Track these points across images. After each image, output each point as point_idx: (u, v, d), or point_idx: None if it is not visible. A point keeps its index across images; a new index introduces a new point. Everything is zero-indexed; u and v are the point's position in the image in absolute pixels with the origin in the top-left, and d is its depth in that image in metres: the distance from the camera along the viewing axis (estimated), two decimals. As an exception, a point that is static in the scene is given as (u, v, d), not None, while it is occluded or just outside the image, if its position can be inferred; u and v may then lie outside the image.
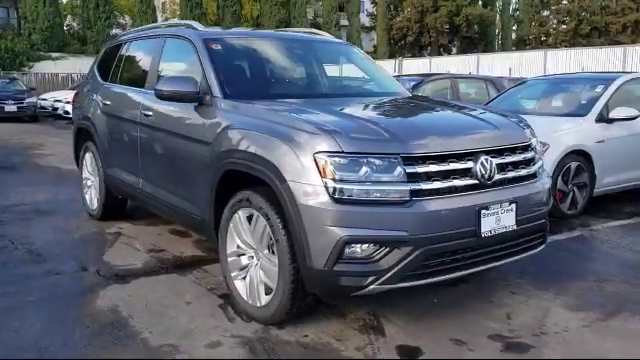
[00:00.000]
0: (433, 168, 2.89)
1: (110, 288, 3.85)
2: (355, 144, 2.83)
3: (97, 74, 5.66)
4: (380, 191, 2.78)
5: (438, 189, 2.88)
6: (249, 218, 3.27)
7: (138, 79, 4.81)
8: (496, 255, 3.12)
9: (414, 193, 2.81)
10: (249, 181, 3.24)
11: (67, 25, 33.28)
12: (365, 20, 43.96)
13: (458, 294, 3.70)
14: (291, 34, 4.78)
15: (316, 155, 2.82)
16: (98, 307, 3.52)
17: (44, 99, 21.25)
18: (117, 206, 5.47)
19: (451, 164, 2.95)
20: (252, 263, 3.32)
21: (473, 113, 3.54)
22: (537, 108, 6.63)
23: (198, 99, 3.70)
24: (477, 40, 40.41)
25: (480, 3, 41.78)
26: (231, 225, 3.40)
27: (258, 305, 3.22)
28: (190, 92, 3.66)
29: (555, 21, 45.90)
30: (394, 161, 2.82)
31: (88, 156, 5.60)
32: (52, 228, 5.31)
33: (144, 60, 4.85)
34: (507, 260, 3.20)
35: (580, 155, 5.63)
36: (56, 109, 19.85)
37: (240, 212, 3.31)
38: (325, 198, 2.78)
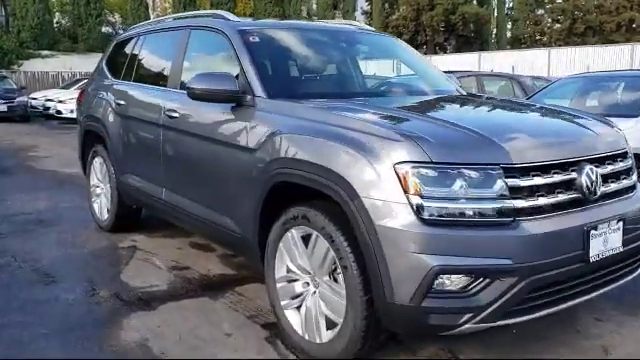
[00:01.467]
0: (537, 181, 2.42)
1: (134, 316, 3.35)
2: (446, 152, 2.35)
3: (107, 71, 5.13)
4: (478, 210, 2.31)
5: (543, 206, 2.41)
6: (305, 238, 2.78)
7: (158, 76, 4.31)
8: (601, 282, 2.65)
9: (517, 212, 2.34)
10: (305, 195, 2.75)
11: (57, 22, 32.45)
12: (360, 18, 43.48)
13: (537, 323, 3.22)
14: (331, 25, 4.26)
15: (397, 166, 2.33)
16: (123, 341, 3.03)
17: (34, 98, 20.54)
18: (131, 216, 4.96)
19: (555, 176, 2.48)
20: (308, 291, 2.83)
21: (564, 115, 3.08)
22: (579, 108, 6.17)
23: (237, 99, 3.20)
24: (473, 39, 40.13)
25: (475, 2, 41.50)
26: (281, 246, 2.91)
27: (318, 342, 2.73)
28: (229, 91, 3.17)
29: (550, 20, 45.72)
30: (494, 173, 2.34)
31: (97, 161, 5.08)
32: (58, 242, 4.78)
33: (165, 55, 4.34)
34: (609, 287, 2.73)
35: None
36: (47, 108, 19.16)
37: (294, 231, 2.82)
38: (410, 219, 2.30)
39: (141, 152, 4.26)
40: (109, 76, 5.06)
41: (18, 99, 18.54)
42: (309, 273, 2.81)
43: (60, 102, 17.80)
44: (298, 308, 2.87)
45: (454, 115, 3.12)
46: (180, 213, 3.81)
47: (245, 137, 3.11)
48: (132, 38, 4.90)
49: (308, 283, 2.83)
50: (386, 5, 41.82)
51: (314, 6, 42.68)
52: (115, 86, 4.79)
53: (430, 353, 2.88)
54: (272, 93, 3.17)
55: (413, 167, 2.31)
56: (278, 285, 2.96)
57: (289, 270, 2.90)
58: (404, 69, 4.23)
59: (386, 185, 2.34)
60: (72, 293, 3.68)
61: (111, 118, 4.65)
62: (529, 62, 20.36)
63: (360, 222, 2.39)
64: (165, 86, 4.08)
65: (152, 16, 34.03)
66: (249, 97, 3.18)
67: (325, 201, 2.64)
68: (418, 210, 2.30)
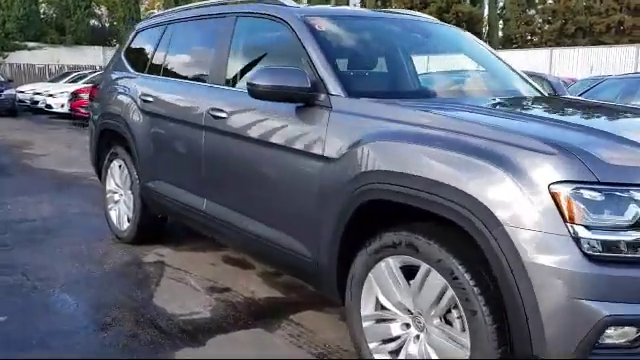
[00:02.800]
0: None
1: (181, 353, 2.83)
2: (615, 170, 1.87)
3: (127, 64, 4.57)
4: (660, 244, 1.82)
5: None
6: (407, 270, 2.28)
7: (195, 71, 3.80)
8: None
9: None
10: (407, 216, 2.26)
11: (44, 13, 31.44)
12: (352, 15, 42.85)
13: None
14: (402, 15, 3.74)
15: (554, 187, 1.84)
16: (177, 390, 2.49)
17: (21, 91, 19.71)
18: (155, 227, 4.41)
19: None
20: (409, 335, 2.33)
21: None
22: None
23: (307, 98, 2.69)
24: (466, 38, 39.79)
25: (468, 1, 41.22)
26: (371, 277, 2.41)
27: (426, 399, 2.22)
28: (299, 89, 2.66)
29: (541, 20, 45.63)
30: (676, 197, 1.85)
31: (116, 164, 4.52)
32: (72, 256, 4.22)
33: (203, 46, 3.82)
34: None
35: None
36: (36, 103, 18.34)
37: (391, 261, 2.32)
38: (573, 255, 1.81)
39: (175, 156, 3.72)
40: (130, 69, 4.50)
41: (5, 92, 17.73)
42: (410, 313, 2.31)
43: (50, 96, 17.05)
44: (396, 353, 2.36)
45: (599, 123, 2.63)
46: (227, 229, 3.28)
47: (320, 144, 2.60)
48: (159, 26, 4.35)
49: (408, 325, 2.33)
50: (379, 3, 41.34)
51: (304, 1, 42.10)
52: (140, 80, 4.25)
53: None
54: (351, 91, 2.66)
55: (575, 188, 1.82)
56: (365, 324, 2.46)
57: (381, 307, 2.40)
58: (434, 64, 3.72)
59: (538, 211, 1.85)
60: (101, 322, 3.14)
61: (136, 116, 4.09)
62: (530, 62, 20.01)
63: (501, 257, 1.90)
64: (205, 82, 3.54)
65: (142, 8, 33.19)
66: (322, 96, 2.67)
67: (438, 226, 2.15)
68: (582, 244, 1.81)
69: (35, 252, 4.26)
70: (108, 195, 4.68)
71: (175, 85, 3.83)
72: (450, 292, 2.10)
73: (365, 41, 3.23)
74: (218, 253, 4.31)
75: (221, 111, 3.23)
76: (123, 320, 3.17)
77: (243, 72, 3.41)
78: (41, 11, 30.68)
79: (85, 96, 14.26)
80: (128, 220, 4.44)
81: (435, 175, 2.09)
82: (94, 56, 29.22)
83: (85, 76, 20.03)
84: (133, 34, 4.72)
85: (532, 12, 46.56)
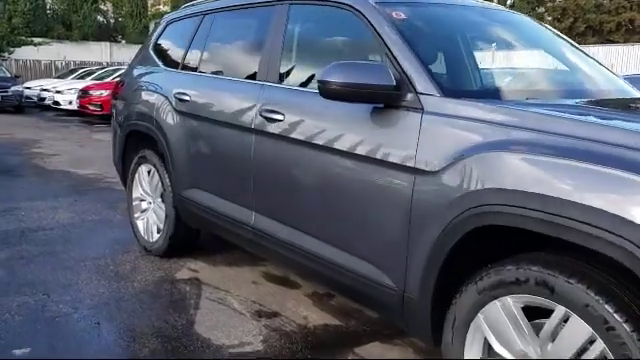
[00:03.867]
0: None
1: (238, 399, 2.39)
2: None
3: (157, 59, 4.14)
4: None
5: None
6: (530, 310, 1.84)
7: (241, 66, 3.37)
8: None
9: None
10: (524, 245, 1.83)
11: (50, 9, 31.03)
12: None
13: None
14: (482, 3, 3.28)
15: None
16: None
17: (28, 87, 19.32)
18: (188, 239, 3.99)
19: None
20: (531, 391, 1.89)
21: None
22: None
23: (390, 98, 2.26)
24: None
25: (478, -2, 40.81)
26: (481, 318, 1.98)
27: None
28: (383, 87, 2.23)
29: (550, 18, 45.14)
30: None
31: (144, 169, 4.09)
32: (97, 271, 3.80)
33: (251, 39, 3.41)
34: None
35: None
36: (43, 99, 17.96)
37: (510, 300, 1.89)
38: None
39: (217, 162, 3.30)
40: (161, 65, 4.08)
41: (12, 89, 17.34)
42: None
43: (58, 92, 16.66)
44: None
45: None
46: (282, 248, 2.85)
47: (409, 154, 2.16)
48: (193, 17, 3.91)
49: (532, 378, 1.89)
50: None
51: None
52: (173, 77, 3.82)
53: None
54: (446, 90, 2.22)
55: None
56: (474, 372, 2.02)
57: (495, 355, 1.96)
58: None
59: None
60: (138, 354, 2.71)
61: (169, 117, 3.66)
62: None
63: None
64: (253, 79, 3.11)
65: (148, 4, 32.72)
66: (409, 96, 2.24)
67: (580, 260, 1.71)
68: None
69: (56, 267, 3.84)
70: (134, 203, 4.25)
71: (216, 83, 3.41)
72: (599, 346, 1.67)
73: (450, 32, 2.79)
74: (257, 268, 3.89)
75: (276, 113, 2.80)
76: (163, 352, 2.75)
77: (301, 68, 2.99)
78: (47, 6, 30.30)
79: (95, 93, 13.92)
80: (158, 231, 4.01)
81: (587, 198, 1.65)
82: (101, 52, 28.83)
83: (93, 72, 19.66)
84: (162, 26, 4.29)
85: (541, 10, 46.16)
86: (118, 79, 4.71)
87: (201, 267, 3.91)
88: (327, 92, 2.32)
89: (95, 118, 15.06)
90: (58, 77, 21.74)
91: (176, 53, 3.98)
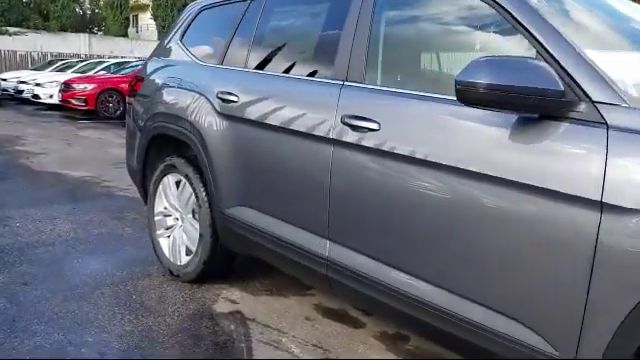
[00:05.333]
0: None
1: None
2: None
3: (188, 51, 3.54)
4: None
5: None
6: None
7: (309, 61, 2.80)
8: None
9: None
10: None
11: (26, -3, 29.85)
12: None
13: None
14: None
15: None
16: None
17: (4, 79, 18.34)
18: (225, 265, 3.41)
19: None
20: None
21: None
22: None
23: (553, 107, 1.72)
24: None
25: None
26: None
27: None
28: (548, 92, 1.70)
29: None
30: None
31: (171, 180, 3.49)
32: (118, 301, 3.20)
33: (320, 28, 2.82)
34: None
35: None
36: (20, 92, 17.00)
37: None
38: None
39: (276, 177, 2.72)
40: (194, 58, 3.48)
41: (-12, 80, 16.41)
42: None
43: (37, 85, 15.76)
44: None
45: None
46: (376, 292, 2.28)
47: (590, 183, 1.63)
48: (235, 2, 3.32)
49: None
50: None
51: None
52: (214, 74, 3.23)
53: None
54: (635, 98, 1.70)
55: None
56: None
57: None
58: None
59: None
60: None
61: (211, 121, 3.08)
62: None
63: None
64: (327, 78, 2.54)
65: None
66: (583, 105, 1.70)
67: None
68: None
69: (68, 296, 3.22)
70: (157, 218, 3.64)
71: (277, 82, 2.83)
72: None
73: (619, 21, 2.26)
74: (305, 299, 3.33)
75: (368, 120, 2.24)
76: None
77: (394, 65, 2.44)
78: (24, -5, 29.11)
79: (78, 87, 13.17)
80: (188, 253, 3.42)
81: None
82: (79, 44, 27.82)
83: (73, 65, 18.79)
84: (194, 13, 3.69)
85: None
86: (137, 74, 4.08)
87: (240, 297, 3.33)
88: (468, 96, 1.78)
89: (78, 113, 14.26)
90: (35, 69, 20.79)
91: (215, 45, 3.39)
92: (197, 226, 3.31)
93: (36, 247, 4.04)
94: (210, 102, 3.10)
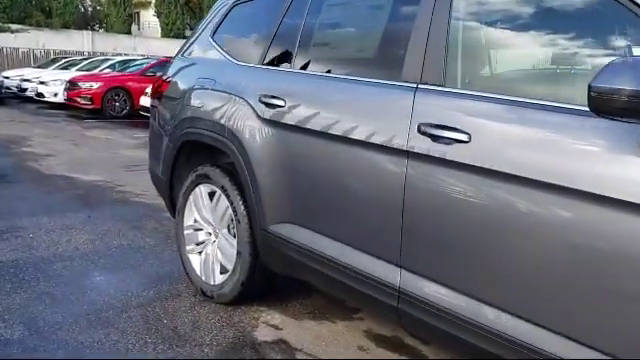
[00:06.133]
0: None
1: None
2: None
3: (222, 49, 3.21)
4: None
5: None
6: None
7: (366, 62, 2.47)
8: None
9: None
10: None
11: (28, -6, 29.43)
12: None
13: None
14: None
15: None
16: None
17: (7, 77, 18.03)
18: (265, 286, 3.09)
19: None
20: None
21: None
22: None
23: None
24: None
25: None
26: None
27: None
28: None
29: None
30: None
31: (204, 191, 3.18)
32: (147, 326, 2.90)
33: (382, 23, 2.48)
34: None
35: None
36: (24, 90, 16.69)
37: None
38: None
39: (336, 193, 2.40)
40: (229, 57, 3.15)
41: (-9, 78, 16.08)
42: None
43: (42, 84, 15.44)
44: None
45: None
46: (461, 329, 1.95)
47: None
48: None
49: None
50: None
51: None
52: (254, 75, 2.91)
53: None
54: None
55: None
56: None
57: None
58: None
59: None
60: None
61: (253, 127, 2.76)
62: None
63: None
64: (391, 79, 2.22)
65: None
66: None
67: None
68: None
69: (93, 321, 2.90)
70: (187, 232, 3.32)
71: (332, 84, 2.50)
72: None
73: None
74: (354, 324, 3.02)
75: (455, 131, 1.92)
76: None
77: (479, 65, 2.11)
78: (26, -9, 28.72)
79: (84, 85, 12.87)
80: (223, 271, 3.10)
81: None
82: (82, 41, 27.48)
83: (76, 62, 18.47)
84: (226, 8, 3.36)
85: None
86: (161, 74, 3.76)
87: (282, 321, 3.01)
88: (606, 106, 1.46)
89: (83, 112, 13.95)
90: (38, 67, 20.47)
91: (253, 43, 3.07)
92: (234, 243, 2.99)
93: (53, 262, 3.72)
94: (251, 106, 2.78)
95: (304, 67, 2.69)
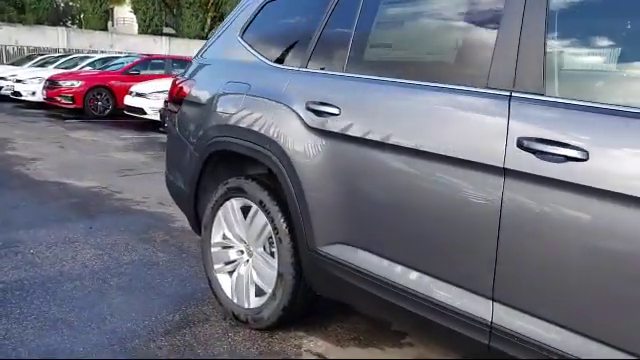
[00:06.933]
0: None
1: None
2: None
3: (254, 51, 2.93)
4: None
5: None
6: None
7: (438, 66, 2.23)
8: None
9: None
10: None
11: (0, -11, 28.49)
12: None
13: None
14: None
15: None
16: None
17: (-21, 75, 17.33)
18: (305, 310, 2.82)
19: None
20: None
21: None
22: None
23: None
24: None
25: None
26: None
27: None
28: None
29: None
30: None
31: (236, 206, 2.90)
32: (178, 356, 2.58)
33: (455, 18, 2.22)
34: None
35: None
36: (-1, 88, 16.09)
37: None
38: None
39: (410, 214, 2.14)
40: (263, 58, 2.87)
41: (-36, 76, 15.43)
42: None
43: (19, 82, 14.84)
44: None
45: None
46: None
47: None
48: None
49: None
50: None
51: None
52: (297, 79, 2.64)
53: None
54: None
55: None
56: None
57: None
58: None
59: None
60: None
61: (299, 137, 2.49)
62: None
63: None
64: (475, 85, 1.97)
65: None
66: None
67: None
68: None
69: (118, 353, 2.60)
70: (214, 250, 3.04)
71: (400, 90, 2.24)
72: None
73: None
74: (404, 352, 2.79)
75: (569, 147, 1.67)
76: None
77: (589, 69, 1.87)
78: (-3, -14, 27.80)
79: (65, 84, 12.39)
80: (258, 293, 2.82)
81: None
82: (57, 38, 26.73)
83: (53, 60, 17.86)
84: (259, 4, 3.07)
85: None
86: (179, 76, 3.45)
87: (326, 349, 2.76)
88: None
89: (63, 112, 13.45)
90: (12, 64, 19.79)
91: (294, 44, 2.80)
92: (273, 263, 2.72)
93: (61, 282, 3.40)
94: (296, 114, 2.51)
95: (359, 71, 2.42)
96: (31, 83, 14.51)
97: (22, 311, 2.98)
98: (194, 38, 30.15)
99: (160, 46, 28.84)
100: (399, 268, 2.18)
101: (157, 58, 15.55)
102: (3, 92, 15.74)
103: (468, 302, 1.95)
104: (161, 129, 9.15)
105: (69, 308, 3.05)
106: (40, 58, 18.98)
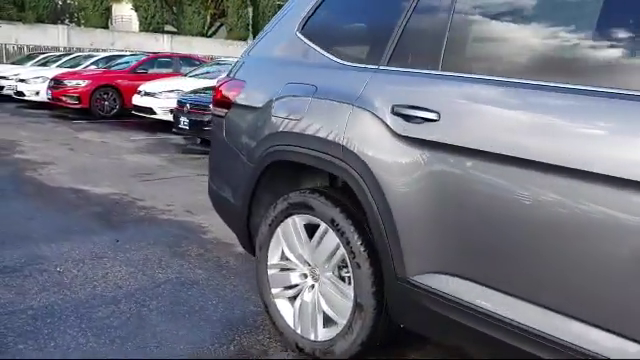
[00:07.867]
0: None
1: None
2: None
3: (314, 46, 2.58)
4: None
5: None
6: None
7: (558, 65, 1.92)
8: None
9: None
10: None
11: (-1, -13, 27.99)
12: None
13: None
14: None
15: None
16: None
17: (-20, 74, 16.95)
18: (384, 342, 2.47)
19: None
20: None
21: None
22: None
23: None
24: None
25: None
26: None
27: None
28: None
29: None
30: None
31: (299, 223, 2.56)
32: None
33: (590, 13, 1.87)
34: None
35: None
36: (1, 88, 15.71)
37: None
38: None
39: (540, 241, 1.78)
40: (330, 55, 2.52)
41: (-34, 75, 15.05)
42: None
43: (22, 81, 14.47)
44: None
45: None
46: None
47: None
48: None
49: None
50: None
51: None
52: (378, 79, 2.29)
53: None
54: None
55: None
56: None
57: None
58: None
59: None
60: None
61: (384, 146, 2.15)
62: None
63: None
64: (608, 86, 1.62)
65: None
66: None
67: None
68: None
69: (174, 396, 2.25)
70: (271, 272, 2.69)
71: (521, 92, 1.88)
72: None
73: None
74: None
75: None
76: None
77: None
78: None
79: (70, 83, 12.03)
80: (326, 324, 2.47)
81: None
82: (57, 36, 26.32)
83: (55, 59, 17.48)
84: (321, -4, 2.71)
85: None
86: (224, 76, 3.09)
87: (409, 386, 2.40)
88: None
89: (69, 112, 13.09)
90: (13, 63, 19.41)
91: (368, 39, 2.46)
92: (348, 291, 2.37)
93: (95, 306, 3.05)
94: (380, 119, 2.16)
95: (461, 69, 2.06)
96: (34, 83, 14.15)
97: (57, 343, 2.64)
98: (196, 35, 29.73)
99: (161, 44, 28.42)
100: (519, 303, 1.83)
101: (164, 56, 15.17)
102: (5, 92, 15.36)
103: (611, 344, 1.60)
104: (174, 130, 8.78)
105: (109, 339, 2.70)
106: (42, 57, 18.60)
